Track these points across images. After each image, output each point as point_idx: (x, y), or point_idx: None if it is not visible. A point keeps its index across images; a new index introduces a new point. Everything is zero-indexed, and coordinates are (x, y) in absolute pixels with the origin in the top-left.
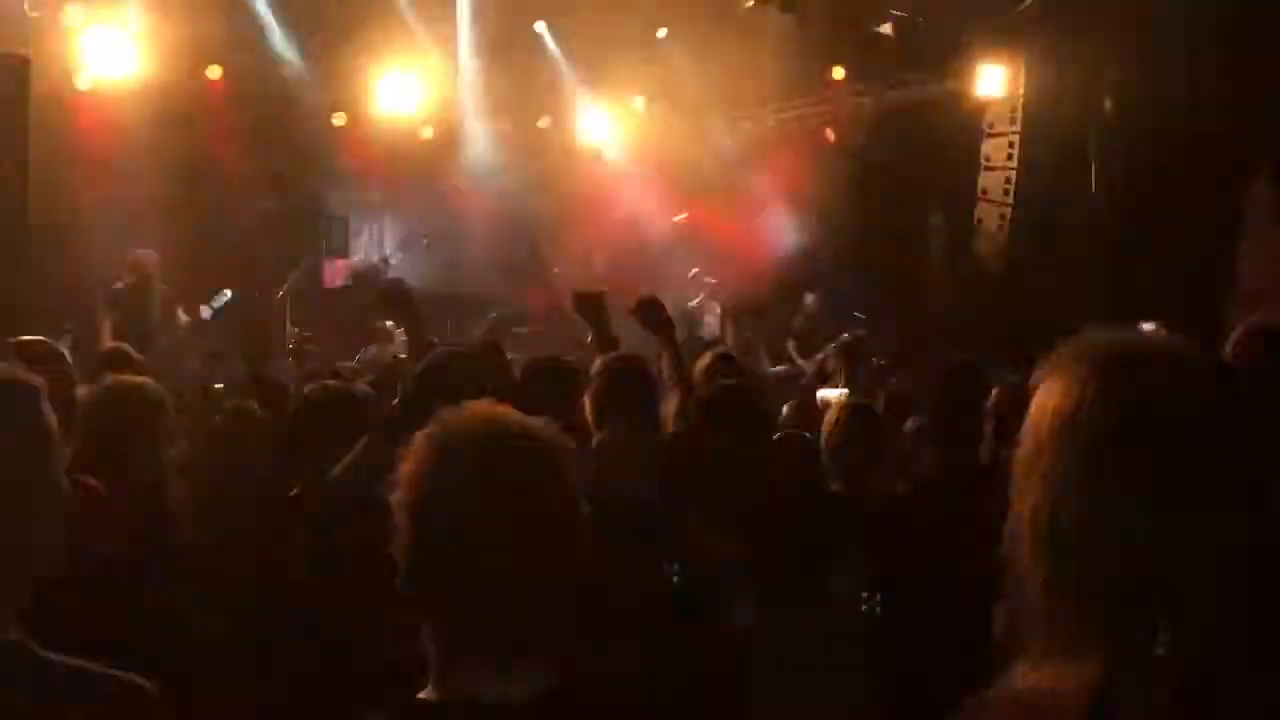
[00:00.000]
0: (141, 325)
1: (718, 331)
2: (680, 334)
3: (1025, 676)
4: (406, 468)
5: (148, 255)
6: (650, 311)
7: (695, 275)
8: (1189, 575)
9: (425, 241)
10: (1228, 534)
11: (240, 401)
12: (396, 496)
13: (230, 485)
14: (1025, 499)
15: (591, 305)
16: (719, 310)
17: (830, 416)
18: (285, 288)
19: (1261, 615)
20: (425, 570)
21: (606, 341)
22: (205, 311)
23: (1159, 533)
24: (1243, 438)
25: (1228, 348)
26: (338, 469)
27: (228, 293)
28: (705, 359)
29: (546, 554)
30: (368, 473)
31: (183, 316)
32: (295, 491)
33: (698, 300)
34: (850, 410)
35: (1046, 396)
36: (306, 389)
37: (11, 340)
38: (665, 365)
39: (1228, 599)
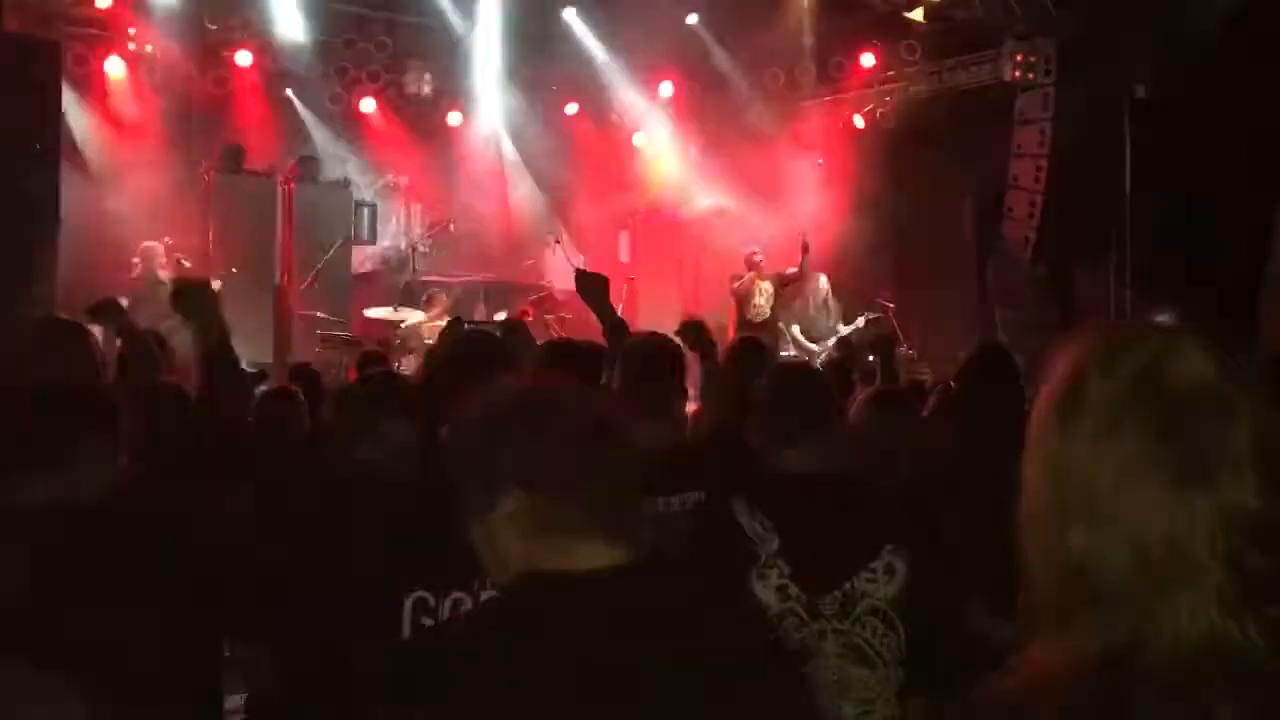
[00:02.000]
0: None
1: (767, 312)
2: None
3: (1036, 652)
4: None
5: (153, 248)
6: (694, 332)
7: (750, 255)
8: (1200, 545)
9: (451, 227)
10: (1239, 503)
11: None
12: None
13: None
14: (1038, 474)
15: (593, 288)
16: (770, 290)
17: (858, 403)
18: (313, 273)
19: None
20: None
21: (612, 324)
22: None
23: (1169, 503)
24: (1251, 409)
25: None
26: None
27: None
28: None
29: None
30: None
31: None
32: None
33: (746, 278)
34: (878, 396)
35: (1055, 374)
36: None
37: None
38: (701, 381)
39: (1240, 567)
